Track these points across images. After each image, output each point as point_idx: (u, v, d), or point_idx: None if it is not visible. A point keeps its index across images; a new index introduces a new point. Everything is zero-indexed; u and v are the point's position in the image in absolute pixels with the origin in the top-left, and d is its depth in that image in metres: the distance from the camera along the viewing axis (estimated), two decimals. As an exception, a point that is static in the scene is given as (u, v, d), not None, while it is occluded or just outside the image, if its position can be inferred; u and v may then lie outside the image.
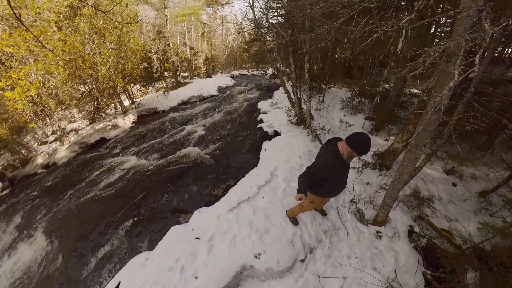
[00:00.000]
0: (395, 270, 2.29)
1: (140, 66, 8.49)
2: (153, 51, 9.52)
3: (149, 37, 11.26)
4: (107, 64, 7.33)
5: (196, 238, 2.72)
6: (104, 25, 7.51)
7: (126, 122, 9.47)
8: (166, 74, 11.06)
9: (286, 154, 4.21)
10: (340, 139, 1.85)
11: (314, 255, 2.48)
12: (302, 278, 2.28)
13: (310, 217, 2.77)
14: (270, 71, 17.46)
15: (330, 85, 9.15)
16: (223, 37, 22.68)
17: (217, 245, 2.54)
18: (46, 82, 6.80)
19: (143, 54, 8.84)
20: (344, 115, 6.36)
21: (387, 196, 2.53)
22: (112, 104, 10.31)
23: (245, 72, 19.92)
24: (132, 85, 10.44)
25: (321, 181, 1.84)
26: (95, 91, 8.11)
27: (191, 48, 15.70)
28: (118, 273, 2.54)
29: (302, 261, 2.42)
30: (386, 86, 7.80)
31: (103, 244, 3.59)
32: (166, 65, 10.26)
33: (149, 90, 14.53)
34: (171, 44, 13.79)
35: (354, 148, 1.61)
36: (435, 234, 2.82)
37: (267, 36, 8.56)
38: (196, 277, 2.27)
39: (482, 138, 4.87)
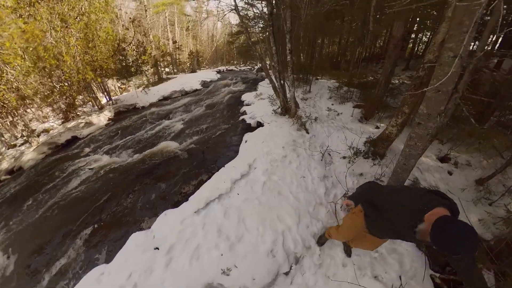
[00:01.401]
0: (400, 277, 1.85)
1: (112, 58, 7.68)
2: (127, 41, 8.68)
3: (123, 25, 10.35)
4: (73, 54, 6.53)
5: (155, 248, 2.22)
6: (70, 12, 6.70)
7: (101, 119, 8.66)
8: (144, 67, 10.24)
9: (268, 145, 3.71)
10: (446, 205, 1.02)
11: (301, 265, 1.98)
12: None
13: (295, 219, 2.26)
14: (257, 67, 17.02)
15: (318, 77, 8.81)
16: (209, 32, 21.89)
17: (177, 258, 2.02)
18: (4, 74, 5.94)
19: (116, 45, 8.02)
20: (332, 104, 5.98)
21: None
22: (90, 102, 9.42)
23: (232, 67, 19.30)
24: (106, 80, 9.58)
25: (378, 210, 1.30)
26: (64, 85, 7.26)
27: (174, 42, 14.84)
28: None
29: (286, 273, 1.91)
30: (371, 78, 7.56)
31: (59, 257, 3.17)
32: (143, 57, 9.45)
33: (130, 86, 13.62)
34: (151, 36, 12.91)
35: (436, 240, 0.91)
36: None
37: (251, 29, 8.11)
38: None
39: (471, 124, 4.64)
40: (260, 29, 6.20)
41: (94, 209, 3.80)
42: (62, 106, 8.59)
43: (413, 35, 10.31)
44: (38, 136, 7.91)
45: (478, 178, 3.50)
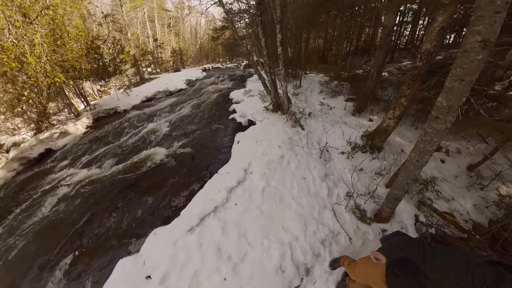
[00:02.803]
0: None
1: (85, 57, 6.98)
2: (101, 39, 7.94)
3: (94, 21, 9.47)
4: (39, 54, 5.79)
5: (147, 277, 1.95)
6: (32, 6, 5.92)
7: (79, 127, 7.92)
8: (123, 67, 9.51)
9: (262, 145, 3.49)
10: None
11: (312, 275, 1.81)
12: None
13: (301, 226, 2.09)
14: (244, 64, 16.66)
15: (306, 71, 8.69)
16: (192, 28, 21.01)
17: None
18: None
19: (89, 42, 7.29)
20: (324, 98, 5.87)
21: (396, 187, 1.96)
22: (66, 110, 8.58)
23: (218, 65, 18.76)
24: (82, 82, 8.77)
25: (411, 264, 1.11)
26: (30, 91, 6.47)
27: (155, 39, 14.01)
28: None
29: (297, 287, 1.74)
30: (361, 71, 7.58)
31: None
32: (122, 56, 8.74)
33: (111, 88, 12.72)
34: (129, 34, 12.05)
35: None
36: (442, 222, 2.38)
37: (237, 24, 7.77)
38: None
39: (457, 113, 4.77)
40: (245, 24, 5.92)
41: (73, 234, 3.45)
42: (33, 115, 7.78)
43: (395, 28, 10.49)
44: (7, 151, 7.10)
45: (468, 165, 3.55)
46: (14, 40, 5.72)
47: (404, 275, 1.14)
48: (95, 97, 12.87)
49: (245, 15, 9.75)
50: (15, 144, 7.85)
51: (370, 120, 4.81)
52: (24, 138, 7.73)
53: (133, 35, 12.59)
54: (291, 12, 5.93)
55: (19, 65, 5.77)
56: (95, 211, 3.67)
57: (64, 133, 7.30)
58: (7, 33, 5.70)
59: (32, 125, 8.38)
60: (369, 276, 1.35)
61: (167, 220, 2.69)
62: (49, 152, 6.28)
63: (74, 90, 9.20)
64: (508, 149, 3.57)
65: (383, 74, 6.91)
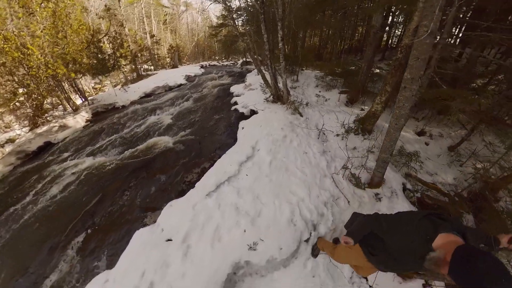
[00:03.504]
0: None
1: (86, 50, 7.02)
2: (102, 32, 8.00)
3: (96, 14, 9.48)
4: (41, 45, 5.82)
5: (168, 240, 2.12)
6: None
7: (78, 121, 7.86)
8: (123, 62, 9.55)
9: (266, 128, 3.81)
10: (448, 228, 0.96)
11: (318, 231, 2.10)
12: (310, 261, 1.92)
13: (306, 190, 2.39)
14: (241, 61, 16.91)
15: (303, 68, 9.09)
16: (189, 25, 21.07)
17: (195, 245, 1.96)
18: None
19: (90, 36, 7.35)
20: (320, 91, 6.27)
21: (383, 150, 2.33)
22: (60, 106, 8.50)
23: (215, 63, 18.93)
24: (80, 76, 8.74)
25: (379, 241, 1.23)
26: (30, 83, 6.42)
27: (152, 35, 14.05)
28: None
29: (307, 241, 2.02)
30: (353, 67, 8.06)
31: (47, 274, 2.81)
32: (122, 50, 8.79)
33: (106, 85, 12.64)
34: (126, 29, 12.07)
35: (459, 273, 0.77)
36: (426, 188, 2.79)
37: (236, 21, 8.05)
38: None
39: (440, 103, 5.30)
40: (245, 21, 6.19)
41: (84, 214, 3.48)
42: (29, 111, 7.66)
43: (387, 28, 11.07)
44: (2, 146, 7.02)
45: (449, 146, 4.03)
46: (14, 30, 5.73)
47: (379, 252, 1.23)
48: (90, 93, 12.80)
49: (244, 12, 10.04)
50: (10, 140, 7.75)
51: (362, 109, 5.23)
52: (18, 135, 7.55)
53: (130, 31, 12.61)
54: (289, 11, 6.28)
55: (21, 55, 5.76)
56: (106, 192, 3.72)
57: (64, 127, 7.12)
58: (9, 23, 5.72)
59: (26, 122, 8.28)
60: (352, 258, 1.47)
61: (181, 194, 2.80)
62: (48, 146, 6.16)
63: (71, 86, 9.16)
64: (484, 131, 4.10)
65: (375, 70, 7.41)
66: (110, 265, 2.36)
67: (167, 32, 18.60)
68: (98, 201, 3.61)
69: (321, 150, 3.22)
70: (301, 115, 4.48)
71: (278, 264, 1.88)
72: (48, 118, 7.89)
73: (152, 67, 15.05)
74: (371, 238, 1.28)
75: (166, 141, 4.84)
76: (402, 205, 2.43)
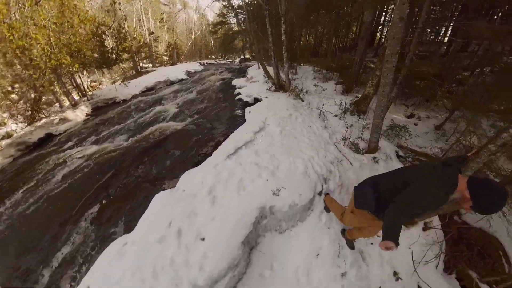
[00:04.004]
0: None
1: (91, 41, 7.10)
2: (107, 25, 8.10)
3: (101, 7, 9.59)
4: (47, 34, 5.79)
5: (191, 195, 2.25)
6: None
7: (78, 114, 7.85)
8: (125, 56, 9.64)
9: (272, 110, 4.16)
10: (459, 170, 1.16)
11: (328, 186, 2.41)
12: (325, 214, 2.20)
13: (314, 152, 2.73)
14: (239, 59, 17.28)
15: (300, 64, 9.55)
16: (186, 24, 21.28)
17: (221, 195, 2.17)
18: None
19: (95, 28, 7.46)
20: (317, 83, 6.71)
21: (376, 117, 2.73)
22: (57, 104, 8.42)
23: (212, 61, 19.20)
24: (84, 68, 8.66)
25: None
26: (33, 73, 6.14)
27: (151, 33, 14.21)
28: (85, 276, 1.84)
29: (320, 193, 2.32)
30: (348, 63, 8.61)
31: (59, 248, 2.74)
32: (124, 44, 8.92)
33: (102, 84, 12.62)
34: (126, 26, 12.19)
35: (477, 203, 1.00)
36: (415, 155, 3.23)
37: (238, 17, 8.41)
38: (203, 238, 1.81)
39: (428, 92, 5.89)
40: (247, 18, 6.55)
41: (96, 189, 3.44)
42: (28, 105, 7.53)
43: (380, 27, 11.75)
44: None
45: (436, 125, 4.54)
46: (18, 18, 5.70)
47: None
48: (87, 90, 12.77)
49: (243, 11, 10.42)
50: (8, 135, 7.63)
51: (357, 97, 5.68)
52: (14, 130, 7.34)
53: (129, 27, 12.72)
54: (288, 10, 6.71)
55: (25, 44, 5.58)
56: (119, 168, 3.70)
57: (64, 120, 7.09)
58: (15, 12, 5.70)
59: (21, 118, 8.18)
60: (362, 222, 1.55)
61: (197, 164, 2.87)
62: (49, 137, 6.11)
63: (70, 81, 9.14)
64: (466, 111, 4.63)
65: (369, 65, 7.95)
66: (128, 230, 2.28)
67: (164, 30, 18.74)
68: (111, 176, 3.58)
69: (323, 125, 3.60)
70: (303, 100, 4.87)
71: (296, 214, 2.12)
72: (45, 114, 7.82)
73: (150, 65, 15.16)
74: (381, 204, 1.32)
75: (175, 125, 5.08)
76: (396, 165, 2.82)
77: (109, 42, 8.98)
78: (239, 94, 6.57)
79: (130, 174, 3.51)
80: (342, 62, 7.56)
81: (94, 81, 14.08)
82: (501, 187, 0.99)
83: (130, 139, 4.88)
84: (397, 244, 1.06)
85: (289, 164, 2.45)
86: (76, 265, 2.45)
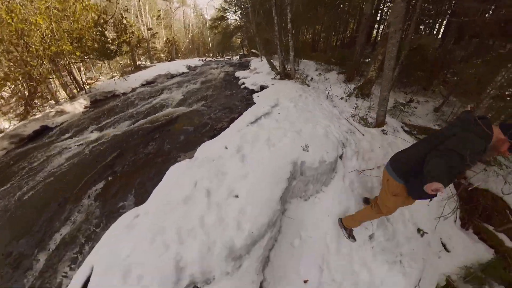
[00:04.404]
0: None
1: (93, 30, 6.98)
2: (109, 14, 8.00)
3: None
4: (48, 18, 5.43)
5: (216, 158, 2.15)
6: None
7: (76, 107, 7.56)
8: (125, 48, 9.53)
9: (281, 93, 4.27)
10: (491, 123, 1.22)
11: (346, 152, 2.53)
12: (346, 177, 2.29)
13: (329, 122, 2.85)
14: (237, 56, 17.43)
15: (301, 58, 9.79)
16: (184, 21, 21.27)
17: (250, 153, 2.13)
18: None
19: (96, 17, 7.36)
20: (320, 73, 6.93)
21: (383, 90, 2.92)
22: (52, 101, 8.09)
23: (210, 59, 19.25)
24: (85, 56, 8.36)
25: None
26: (29, 59, 5.80)
27: (149, 28, 14.14)
28: (88, 256, 1.63)
29: (341, 157, 2.44)
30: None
31: (57, 229, 2.50)
32: (125, 36, 8.84)
33: (99, 81, 12.38)
34: (124, 20, 12.10)
35: None
36: (419, 130, 3.45)
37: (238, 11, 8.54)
38: (236, 196, 1.73)
39: (425, 81, 6.23)
40: (250, 12, 6.75)
41: (100, 168, 3.17)
42: (21, 100, 7.23)
43: (376, 25, 12.18)
44: None
45: (434, 108, 4.83)
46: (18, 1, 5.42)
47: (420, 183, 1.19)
48: (85, 83, 12.52)
49: (242, 6, 10.57)
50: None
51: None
52: (6, 129, 6.92)
53: (128, 22, 12.62)
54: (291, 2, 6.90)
55: (26, 28, 5.32)
56: (126, 147, 3.48)
57: (61, 112, 6.79)
58: None
59: (12, 115, 7.88)
60: (399, 203, 1.53)
61: (214, 137, 2.71)
62: (45, 130, 5.80)
63: (67, 74, 8.90)
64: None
65: (366, 60, 8.26)
66: (139, 202, 2.03)
67: (161, 27, 18.68)
68: (117, 156, 3.33)
69: (332, 105, 3.78)
70: (309, 86, 5.05)
71: (325, 171, 2.18)
72: (39, 110, 7.53)
73: (149, 60, 15.05)
74: (414, 178, 1.33)
75: (183, 109, 5.06)
76: (404, 137, 3.01)
77: (109, 33, 8.87)
78: (243, 83, 6.68)
79: (138, 152, 3.34)
80: (342, 55, 7.83)
81: (91, 78, 13.80)
82: None
83: (137, 122, 4.79)
84: (445, 185, 1.03)
85: (310, 128, 2.56)
86: (77, 245, 2.24)
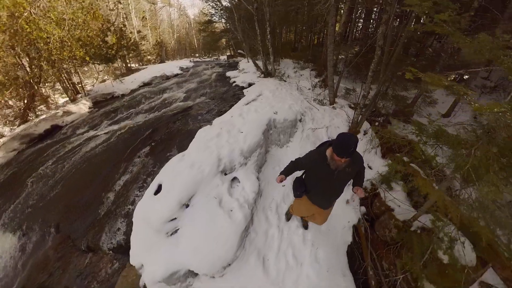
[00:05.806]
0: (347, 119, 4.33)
1: (100, 36, 7.83)
2: (111, 21, 8.82)
3: (106, 6, 10.13)
4: (64, 27, 5.95)
5: (228, 120, 3.68)
6: None
7: (81, 107, 8.22)
8: (123, 53, 10.36)
9: (264, 87, 5.82)
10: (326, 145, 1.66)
11: (304, 119, 4.09)
12: (304, 132, 3.86)
13: (294, 102, 4.44)
14: (224, 56, 18.47)
15: (282, 57, 11.29)
16: (171, 22, 21.83)
17: (246, 116, 3.76)
18: None
19: (101, 24, 8.16)
20: (296, 71, 8.54)
21: (329, 79, 4.57)
22: (52, 104, 8.38)
23: (197, 59, 20.19)
24: (92, 61, 8.81)
25: (304, 177, 1.87)
26: (43, 64, 6.27)
27: (138, 31, 14.84)
28: (157, 177, 2.61)
29: (300, 120, 4.00)
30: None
31: (118, 178, 3.39)
32: (124, 41, 9.72)
33: (87, 85, 12.70)
34: (123, 27, 12.73)
35: (335, 148, 1.42)
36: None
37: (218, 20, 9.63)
38: (242, 132, 3.28)
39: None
40: (237, 19, 7.93)
41: (141, 141, 4.25)
42: (22, 102, 7.35)
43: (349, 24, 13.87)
44: None
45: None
46: (37, 12, 5.79)
47: (316, 192, 1.80)
48: (84, 86, 12.98)
49: (227, 14, 11.81)
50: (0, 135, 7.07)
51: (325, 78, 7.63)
52: (3, 136, 6.78)
53: (126, 28, 13.22)
54: (272, 12, 8.35)
55: (41, 34, 5.75)
56: (157, 127, 4.64)
57: (68, 112, 7.32)
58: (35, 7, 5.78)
59: (7, 120, 8.21)
60: (303, 208, 2.04)
61: (221, 115, 4.15)
62: (55, 128, 6.31)
63: (68, 78, 9.44)
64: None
65: (339, 57, 9.95)
66: (182, 150, 3.00)
67: (147, 28, 19.24)
68: (152, 131, 4.46)
69: (299, 93, 5.40)
70: (285, 81, 6.62)
71: (288, 126, 3.71)
72: (38, 114, 7.67)
73: (140, 63, 15.72)
74: (303, 183, 1.84)
75: (190, 103, 6.39)
76: (349, 112, 4.60)
77: (110, 39, 9.70)
78: (235, 82, 8.07)
79: (169, 127, 4.56)
80: (315, 54, 9.48)
81: (104, 62, 13.93)
82: (346, 133, 1.45)
83: (153, 114, 5.92)
84: (285, 176, 1.76)
85: (280, 105, 4.16)
86: (140, 180, 3.16)
